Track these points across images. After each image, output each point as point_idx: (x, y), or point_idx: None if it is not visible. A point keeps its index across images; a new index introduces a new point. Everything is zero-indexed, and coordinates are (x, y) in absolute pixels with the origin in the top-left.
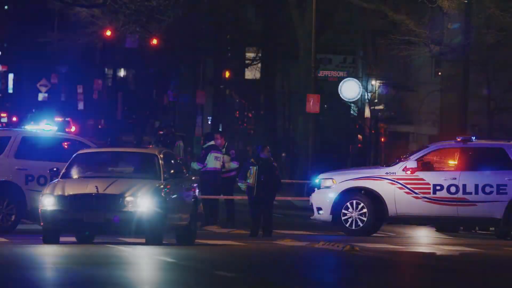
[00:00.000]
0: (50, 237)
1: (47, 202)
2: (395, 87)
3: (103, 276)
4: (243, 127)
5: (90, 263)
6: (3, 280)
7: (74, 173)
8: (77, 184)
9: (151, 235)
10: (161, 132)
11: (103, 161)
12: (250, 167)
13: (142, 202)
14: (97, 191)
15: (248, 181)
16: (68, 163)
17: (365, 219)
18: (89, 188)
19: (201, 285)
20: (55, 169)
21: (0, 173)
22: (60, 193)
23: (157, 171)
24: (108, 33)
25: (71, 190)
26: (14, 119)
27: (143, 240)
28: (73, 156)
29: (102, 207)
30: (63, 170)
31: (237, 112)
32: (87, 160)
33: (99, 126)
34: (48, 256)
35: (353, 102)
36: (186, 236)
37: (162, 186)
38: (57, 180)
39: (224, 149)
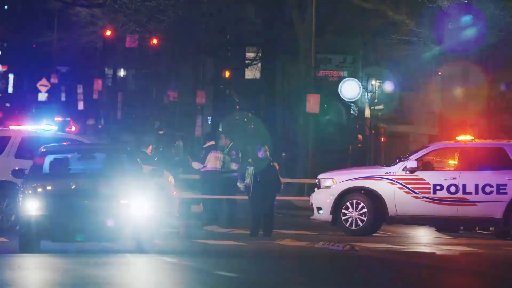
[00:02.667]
0: (30, 245)
1: (30, 206)
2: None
3: (104, 276)
4: (243, 127)
5: (90, 263)
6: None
7: (47, 172)
8: (60, 185)
9: (147, 240)
10: (161, 132)
11: (74, 159)
12: (248, 167)
13: (138, 205)
14: (87, 192)
15: (246, 181)
16: (34, 161)
17: (365, 219)
18: (76, 189)
19: (201, 285)
20: (16, 168)
21: (0, 173)
22: (43, 195)
23: (137, 168)
24: (108, 33)
25: (56, 191)
26: None
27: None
28: (39, 153)
29: (94, 211)
30: (29, 169)
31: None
32: (56, 157)
33: (99, 126)
34: (46, 256)
35: (353, 102)
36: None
37: (151, 186)
38: (33, 180)
39: (228, 149)
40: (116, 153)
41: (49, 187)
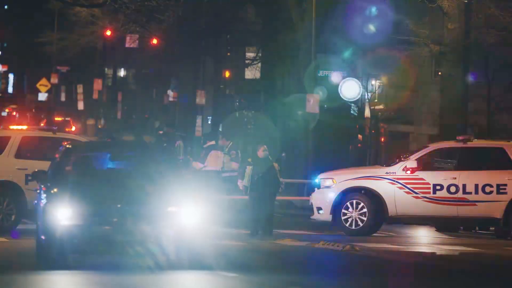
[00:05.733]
0: (57, 260)
1: (61, 215)
2: (395, 87)
3: (104, 276)
4: (243, 127)
5: (90, 264)
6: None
7: (75, 173)
8: (97, 190)
9: (189, 257)
10: (161, 132)
11: (102, 158)
12: (247, 166)
13: (190, 214)
14: (130, 199)
15: (244, 180)
16: (56, 160)
17: (365, 219)
18: (117, 195)
19: (201, 285)
20: (36, 170)
21: (0, 173)
22: (79, 201)
23: (178, 169)
24: (108, 33)
25: (93, 197)
26: None
27: None
28: (62, 150)
29: (139, 221)
30: (51, 170)
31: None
32: (82, 156)
33: (99, 126)
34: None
35: (353, 102)
36: None
37: (196, 190)
38: (62, 184)
39: (227, 149)
40: (152, 152)
41: (83, 191)
